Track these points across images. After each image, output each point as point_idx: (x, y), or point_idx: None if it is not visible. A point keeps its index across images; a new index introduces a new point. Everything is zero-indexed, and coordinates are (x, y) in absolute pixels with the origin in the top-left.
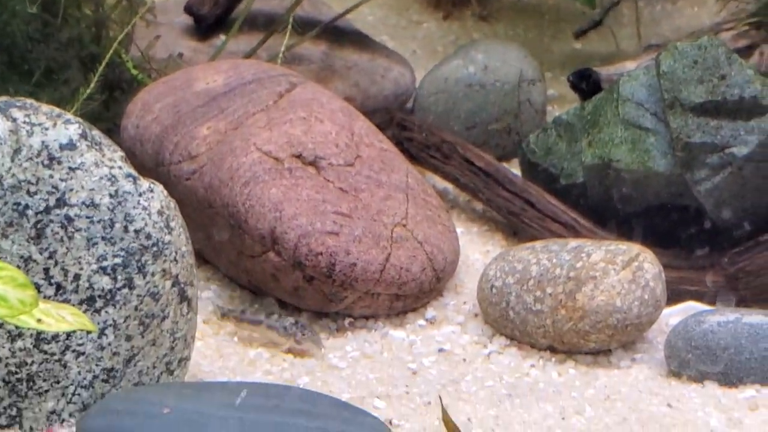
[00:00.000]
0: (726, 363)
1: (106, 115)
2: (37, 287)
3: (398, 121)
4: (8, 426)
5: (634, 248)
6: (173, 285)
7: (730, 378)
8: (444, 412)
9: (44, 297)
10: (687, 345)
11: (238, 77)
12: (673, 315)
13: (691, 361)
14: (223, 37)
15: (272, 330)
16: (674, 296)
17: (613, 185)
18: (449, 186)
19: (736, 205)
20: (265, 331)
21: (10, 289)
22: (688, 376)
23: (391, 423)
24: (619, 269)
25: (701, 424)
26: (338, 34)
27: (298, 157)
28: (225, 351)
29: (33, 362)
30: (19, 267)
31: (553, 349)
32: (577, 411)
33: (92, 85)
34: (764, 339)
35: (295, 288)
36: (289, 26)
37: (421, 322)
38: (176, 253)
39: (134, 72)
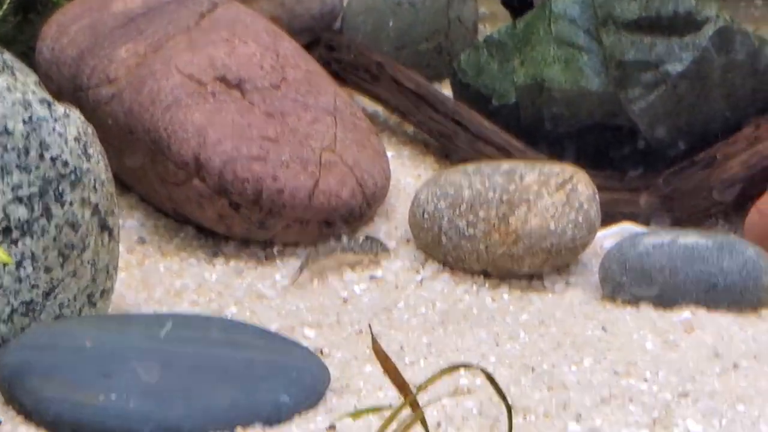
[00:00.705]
0: (661, 285)
1: (20, 38)
2: None
3: (325, 42)
4: None
5: (568, 170)
6: (93, 214)
7: (665, 300)
8: (374, 341)
9: None
10: (622, 268)
11: None
12: (608, 237)
13: (626, 284)
14: None
15: (348, 252)
16: (608, 218)
17: (546, 105)
18: (379, 108)
19: (670, 123)
20: (341, 257)
21: None
22: (623, 300)
23: (321, 353)
24: (552, 191)
25: (637, 347)
26: None
27: (222, 80)
28: (150, 281)
29: None
30: None
31: (486, 275)
32: (511, 336)
33: (5, 7)
34: (700, 260)
35: (221, 216)
36: None
37: None
38: (95, 180)
39: None
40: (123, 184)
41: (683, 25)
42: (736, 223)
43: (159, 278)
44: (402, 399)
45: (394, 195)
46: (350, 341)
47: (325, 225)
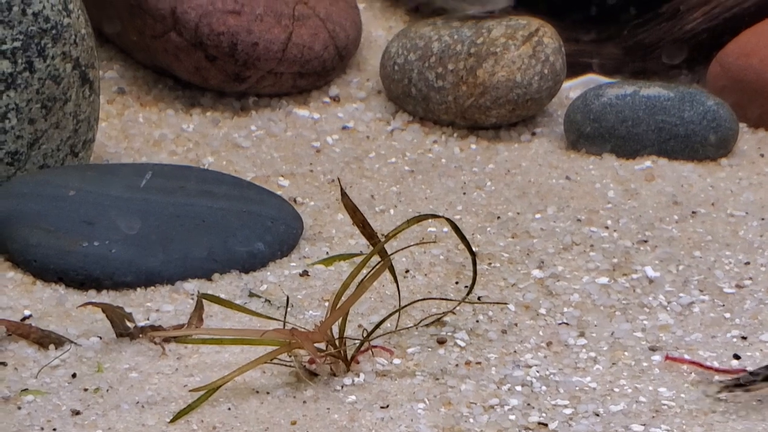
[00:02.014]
0: (624, 135)
1: None
2: None
3: None
4: None
5: (535, 22)
6: (74, 68)
7: (627, 150)
8: (343, 194)
9: None
10: (586, 118)
11: None
12: (573, 88)
13: (590, 134)
14: None
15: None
16: (574, 69)
17: None
18: None
19: None
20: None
21: None
22: (586, 149)
23: (295, 201)
24: (519, 44)
25: (599, 195)
26: None
27: None
28: (130, 132)
29: None
30: None
31: (454, 125)
32: (478, 185)
33: None
34: (661, 111)
35: (198, 68)
36: None
37: (325, 99)
38: (76, 35)
39: None
40: (103, 36)
41: None
42: (700, 73)
43: (138, 128)
44: (370, 248)
45: (365, 47)
46: (323, 190)
47: (298, 76)
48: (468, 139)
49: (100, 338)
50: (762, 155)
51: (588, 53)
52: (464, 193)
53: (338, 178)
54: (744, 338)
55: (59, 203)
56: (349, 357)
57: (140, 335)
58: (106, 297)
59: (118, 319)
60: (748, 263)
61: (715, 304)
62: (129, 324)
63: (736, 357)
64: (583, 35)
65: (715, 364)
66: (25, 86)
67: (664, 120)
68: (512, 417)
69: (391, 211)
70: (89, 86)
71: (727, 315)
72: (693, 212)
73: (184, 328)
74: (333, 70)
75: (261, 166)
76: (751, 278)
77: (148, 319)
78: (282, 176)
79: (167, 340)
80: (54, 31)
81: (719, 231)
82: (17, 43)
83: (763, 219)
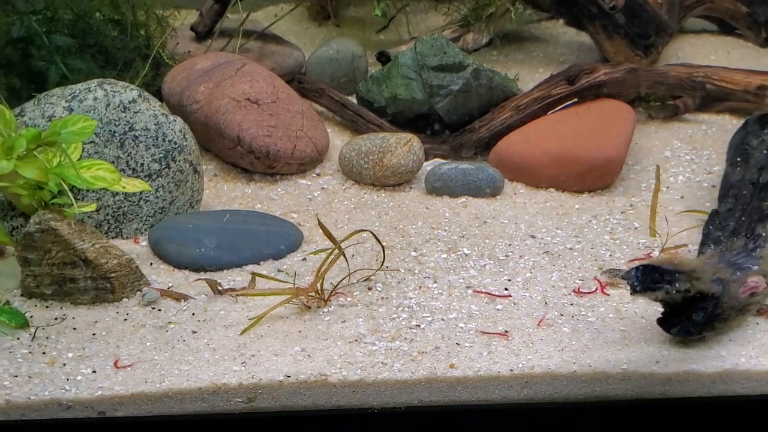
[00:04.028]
0: (451, 187)
1: (154, 83)
2: (123, 171)
3: (297, 79)
4: (115, 237)
5: (409, 135)
6: (190, 165)
7: (454, 193)
8: (319, 221)
9: (127, 175)
10: (435, 179)
11: (217, 61)
12: (428, 166)
13: (437, 187)
14: (209, 42)
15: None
16: (428, 156)
17: (398, 106)
18: (324, 109)
19: (456, 113)
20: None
21: (107, 174)
22: (435, 193)
23: (300, 224)
24: (402, 146)
25: (441, 215)
26: (265, 36)
27: (248, 99)
28: (219, 194)
29: (124, 205)
30: (112, 162)
31: (374, 185)
32: (386, 213)
33: (146, 69)
34: (469, 175)
35: (251, 163)
36: (240, 33)
37: (313, 175)
38: (190, 150)
39: (167, 60)
40: (206, 149)
41: (458, 67)
42: (486, 157)
43: (224, 193)
44: (333, 245)
45: (332, 149)
46: (313, 218)
47: (299, 165)
48: (381, 191)
49: (206, 296)
50: (515, 193)
51: (434, 149)
52: (379, 217)
53: (317, 214)
54: (509, 280)
55: (184, 231)
56: (325, 299)
57: (225, 293)
58: (209, 275)
59: (214, 286)
60: (510, 245)
61: (495, 264)
62: (219, 288)
63: (506, 289)
64: (431, 141)
65: (496, 293)
66: (166, 175)
67: (470, 179)
68: (404, 323)
69: (345, 227)
70: (198, 174)
71: (502, 270)
72: (485, 222)
73: (246, 289)
74: (316, 161)
75: (283, 208)
76: (511, 251)
77: (229, 285)
78: (293, 213)
79: (238, 295)
80: (179, 148)
81: (497, 230)
82: (161, 155)
83: (516, 224)
